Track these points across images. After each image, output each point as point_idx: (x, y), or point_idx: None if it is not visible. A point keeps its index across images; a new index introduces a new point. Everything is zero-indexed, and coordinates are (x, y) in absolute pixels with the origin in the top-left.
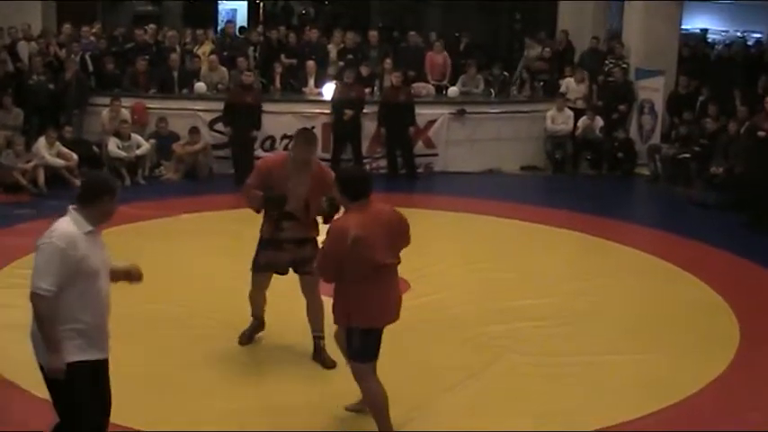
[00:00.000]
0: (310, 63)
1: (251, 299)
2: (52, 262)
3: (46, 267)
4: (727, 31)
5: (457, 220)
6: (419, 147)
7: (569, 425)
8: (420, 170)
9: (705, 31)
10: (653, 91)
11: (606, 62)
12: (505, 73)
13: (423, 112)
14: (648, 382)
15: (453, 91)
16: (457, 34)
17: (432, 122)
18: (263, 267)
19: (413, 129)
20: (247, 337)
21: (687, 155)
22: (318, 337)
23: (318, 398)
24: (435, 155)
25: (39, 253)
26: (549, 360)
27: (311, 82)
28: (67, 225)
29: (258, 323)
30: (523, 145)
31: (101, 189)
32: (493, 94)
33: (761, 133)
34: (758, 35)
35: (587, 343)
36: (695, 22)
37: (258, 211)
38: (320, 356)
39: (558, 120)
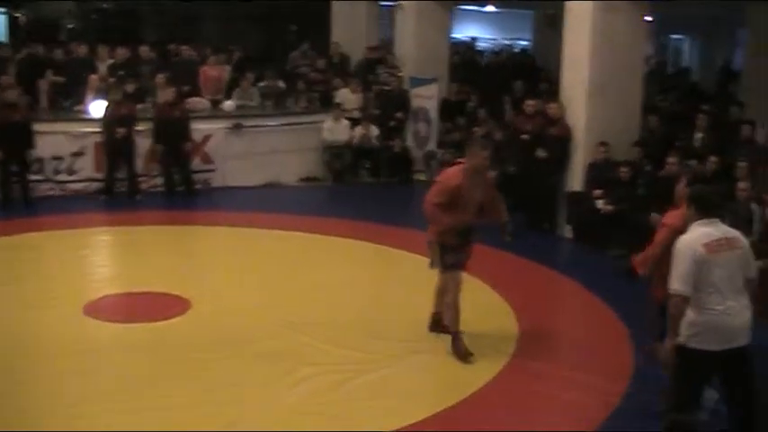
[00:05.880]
0: (93, 77)
1: (445, 293)
2: None
3: None
4: (495, 39)
5: (238, 235)
6: (196, 162)
7: (365, 427)
8: (198, 186)
9: (474, 39)
10: (427, 98)
11: (379, 71)
12: (281, 84)
13: (198, 127)
14: (436, 382)
15: (229, 105)
16: (231, 48)
17: (208, 137)
18: (456, 266)
19: (189, 144)
20: (436, 325)
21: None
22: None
23: None
24: (213, 170)
25: None
26: (339, 369)
27: (91, 97)
28: None
29: (439, 317)
30: (302, 156)
31: None
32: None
33: (524, 136)
34: (524, 42)
35: (376, 349)
36: (465, 31)
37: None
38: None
39: (336, 130)
